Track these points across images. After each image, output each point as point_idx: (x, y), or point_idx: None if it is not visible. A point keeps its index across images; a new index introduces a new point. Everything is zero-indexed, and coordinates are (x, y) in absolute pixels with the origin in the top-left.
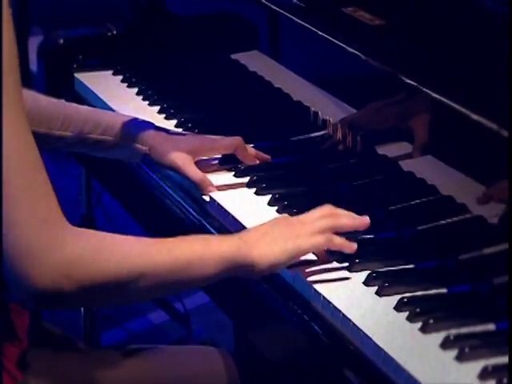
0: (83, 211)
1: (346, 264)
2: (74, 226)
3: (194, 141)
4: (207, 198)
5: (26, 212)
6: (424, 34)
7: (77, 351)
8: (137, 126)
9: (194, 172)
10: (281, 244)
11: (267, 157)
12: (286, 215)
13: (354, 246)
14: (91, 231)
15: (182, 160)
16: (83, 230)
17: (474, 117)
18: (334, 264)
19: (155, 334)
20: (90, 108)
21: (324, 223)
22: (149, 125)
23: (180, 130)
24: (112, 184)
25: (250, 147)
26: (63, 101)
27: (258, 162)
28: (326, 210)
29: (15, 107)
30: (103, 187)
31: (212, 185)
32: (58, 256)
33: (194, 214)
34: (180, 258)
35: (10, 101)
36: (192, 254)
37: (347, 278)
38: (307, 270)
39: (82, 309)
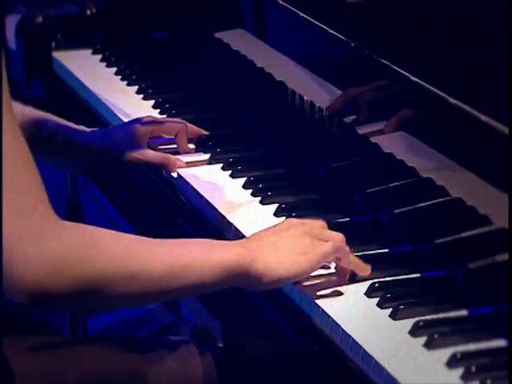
0: (69, 195)
1: None
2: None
3: (138, 129)
4: (175, 175)
5: (10, 203)
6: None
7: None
8: (80, 135)
9: (153, 156)
10: (291, 258)
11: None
12: (293, 221)
13: (368, 268)
14: (81, 226)
15: (137, 153)
16: (72, 223)
17: (452, 101)
18: None
19: (145, 319)
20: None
21: (335, 243)
22: (93, 133)
23: (157, 110)
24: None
25: (191, 129)
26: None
27: (192, 151)
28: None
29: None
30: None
31: (178, 159)
32: (45, 250)
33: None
34: (177, 262)
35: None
36: (190, 258)
37: None
38: None
39: None
